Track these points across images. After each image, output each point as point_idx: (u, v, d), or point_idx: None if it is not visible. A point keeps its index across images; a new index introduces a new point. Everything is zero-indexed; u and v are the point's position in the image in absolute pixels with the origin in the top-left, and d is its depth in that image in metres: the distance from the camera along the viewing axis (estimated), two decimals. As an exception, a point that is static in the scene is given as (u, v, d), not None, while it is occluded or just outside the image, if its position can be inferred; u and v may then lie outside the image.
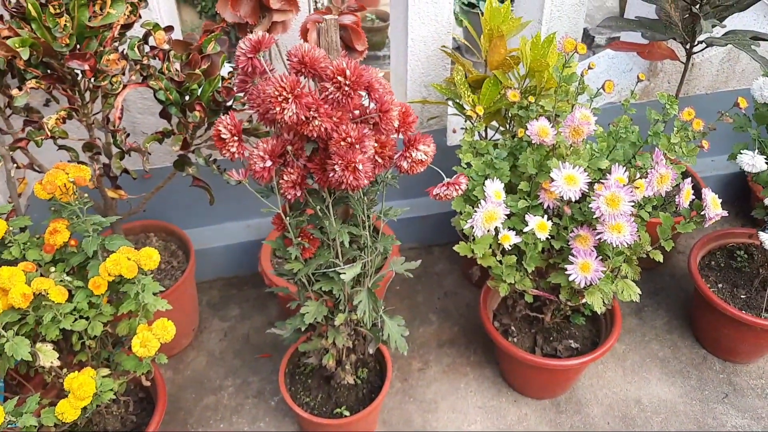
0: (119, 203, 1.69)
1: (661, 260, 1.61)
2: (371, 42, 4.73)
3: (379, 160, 1.21)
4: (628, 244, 1.38)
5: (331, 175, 1.15)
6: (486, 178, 1.63)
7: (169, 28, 1.51)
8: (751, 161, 1.56)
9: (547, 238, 1.53)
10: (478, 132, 1.87)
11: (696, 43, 1.85)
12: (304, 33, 1.52)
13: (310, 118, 1.10)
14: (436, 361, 2.04)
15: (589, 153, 1.52)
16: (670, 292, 2.25)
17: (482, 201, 1.33)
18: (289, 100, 1.07)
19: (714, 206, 1.48)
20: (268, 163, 1.17)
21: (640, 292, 1.57)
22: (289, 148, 1.18)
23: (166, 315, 1.38)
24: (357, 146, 1.15)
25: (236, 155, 1.17)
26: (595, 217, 1.37)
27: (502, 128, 1.87)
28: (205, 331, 2.14)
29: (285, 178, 1.20)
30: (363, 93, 1.16)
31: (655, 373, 1.99)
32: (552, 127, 1.47)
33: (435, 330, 2.15)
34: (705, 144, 1.47)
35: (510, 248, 1.47)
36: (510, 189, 1.63)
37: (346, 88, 1.11)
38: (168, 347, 1.89)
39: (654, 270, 2.32)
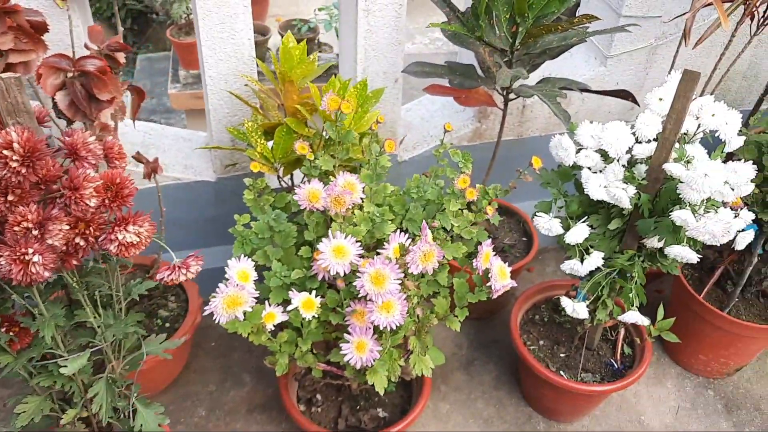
0: None
1: (458, 329, 1.49)
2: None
3: (81, 243, 1.02)
4: (397, 324, 1.24)
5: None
6: (272, 242, 1.47)
7: None
8: (546, 225, 1.46)
9: (333, 309, 1.38)
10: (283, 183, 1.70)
11: (510, 90, 1.76)
12: (38, 78, 1.31)
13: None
14: (244, 429, 1.86)
15: (369, 217, 1.37)
16: (502, 344, 2.15)
17: (220, 285, 1.15)
18: None
19: (501, 277, 1.37)
20: None
21: (445, 355, 1.44)
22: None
23: None
24: (36, 232, 0.95)
25: None
26: (360, 296, 1.22)
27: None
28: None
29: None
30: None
31: (477, 436, 1.88)
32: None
33: (247, 393, 1.96)
34: (490, 210, 1.36)
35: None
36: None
37: (14, 164, 0.91)
38: None
39: (488, 320, 2.22)
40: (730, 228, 1.33)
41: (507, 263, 2.10)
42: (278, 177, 1.66)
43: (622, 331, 1.84)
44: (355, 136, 1.40)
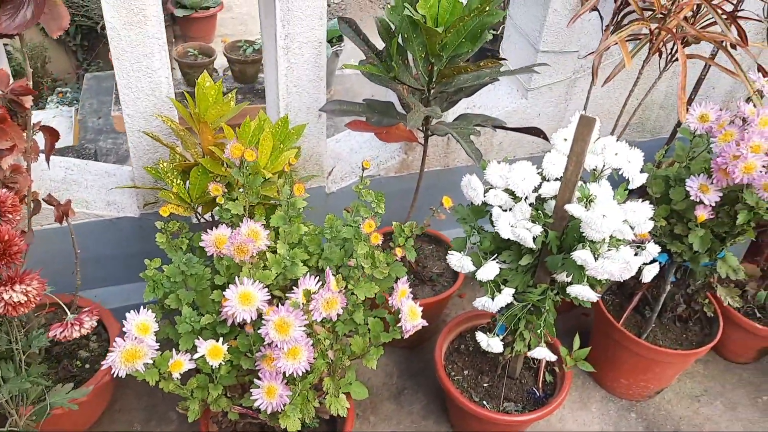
0: None
1: (374, 367, 1.51)
2: (194, 78, 4.44)
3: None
4: (304, 371, 1.24)
5: None
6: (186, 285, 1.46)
7: None
8: (458, 262, 1.49)
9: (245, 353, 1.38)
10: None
11: (427, 127, 1.79)
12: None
13: None
14: (168, 470, 1.83)
15: (280, 261, 1.38)
16: (431, 373, 2.17)
17: (118, 339, 1.14)
18: None
19: (411, 317, 1.39)
20: None
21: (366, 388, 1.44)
22: None
23: None
24: None
25: None
26: (266, 343, 1.23)
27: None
28: None
29: None
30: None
31: (404, 468, 1.90)
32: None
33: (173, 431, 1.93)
34: (398, 252, 1.38)
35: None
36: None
37: None
38: None
39: (419, 348, 2.24)
40: (629, 266, 1.37)
41: (435, 292, 2.14)
42: (197, 216, 1.66)
43: (544, 360, 1.88)
44: (260, 182, 1.41)
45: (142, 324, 1.16)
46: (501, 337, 1.76)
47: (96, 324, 1.11)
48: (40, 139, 1.52)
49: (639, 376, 2.03)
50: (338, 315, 1.23)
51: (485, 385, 1.87)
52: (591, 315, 2.33)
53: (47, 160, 1.66)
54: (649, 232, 1.71)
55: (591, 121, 1.31)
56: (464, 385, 1.86)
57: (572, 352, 1.72)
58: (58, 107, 4.25)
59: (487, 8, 1.58)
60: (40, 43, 4.43)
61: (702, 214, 1.63)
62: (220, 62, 4.00)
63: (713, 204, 1.61)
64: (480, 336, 1.58)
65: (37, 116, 3.11)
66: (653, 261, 1.54)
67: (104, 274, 2.02)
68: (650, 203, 1.72)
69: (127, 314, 1.17)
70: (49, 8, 1.48)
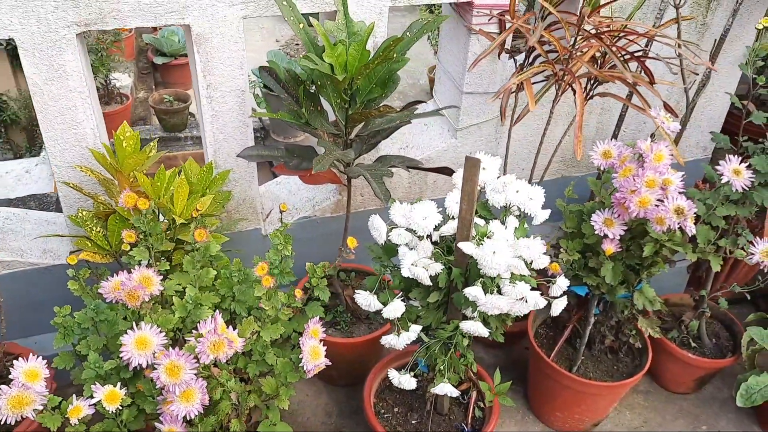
0: None
1: (287, 407, 1.53)
2: (170, 124, 4.55)
3: None
4: (197, 413, 1.27)
5: None
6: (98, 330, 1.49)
7: None
8: (365, 301, 1.53)
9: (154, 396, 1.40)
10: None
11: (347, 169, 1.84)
12: None
13: None
14: None
15: (184, 305, 1.41)
16: (371, 410, 2.19)
17: (3, 387, 1.18)
18: None
19: (312, 357, 1.42)
20: None
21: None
22: None
23: None
24: None
25: None
26: (157, 387, 1.26)
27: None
28: None
29: None
30: None
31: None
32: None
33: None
34: (298, 293, 1.41)
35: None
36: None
37: None
38: None
39: (361, 385, 2.25)
40: (524, 301, 1.41)
41: (371, 330, 2.16)
42: (118, 262, 1.70)
43: (474, 395, 1.90)
44: (159, 230, 1.46)
45: (30, 371, 1.19)
46: (426, 373, 1.80)
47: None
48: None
49: (573, 409, 2.05)
50: (229, 358, 1.26)
51: (413, 422, 1.89)
52: (532, 348, 2.35)
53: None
54: (563, 266, 1.76)
55: (476, 162, 1.36)
56: (393, 422, 1.88)
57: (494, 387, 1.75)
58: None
59: (394, 55, 1.66)
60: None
61: (609, 247, 1.67)
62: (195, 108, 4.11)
63: (618, 237, 1.66)
64: (392, 373, 1.61)
65: (20, 163, 3.20)
66: (565, 294, 1.57)
67: (39, 320, 2.06)
68: (565, 237, 1.78)
69: (14, 361, 1.20)
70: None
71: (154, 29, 5.75)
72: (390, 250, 1.65)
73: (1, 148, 4.43)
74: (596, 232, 1.67)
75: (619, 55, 1.74)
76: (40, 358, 1.22)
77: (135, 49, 5.53)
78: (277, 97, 1.88)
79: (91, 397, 1.33)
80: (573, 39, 1.74)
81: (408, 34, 1.73)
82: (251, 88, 4.26)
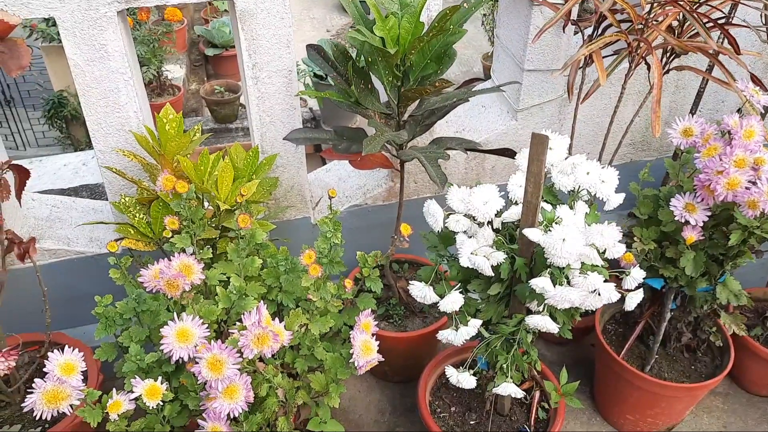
0: None
1: (337, 405, 1.43)
2: (221, 115, 4.54)
3: None
4: (241, 411, 1.18)
5: None
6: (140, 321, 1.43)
7: None
8: (420, 293, 1.41)
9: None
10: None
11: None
12: None
13: None
14: None
15: (228, 295, 1.33)
16: (426, 408, 2.07)
17: (38, 381, 1.11)
18: None
19: (364, 353, 1.31)
20: None
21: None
22: None
23: None
24: None
25: None
26: (199, 383, 1.17)
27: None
28: None
29: None
30: None
31: None
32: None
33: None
34: (348, 284, 1.31)
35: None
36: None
37: None
38: None
39: (415, 382, 2.14)
40: (595, 294, 1.27)
41: (425, 324, 2.05)
42: (161, 249, 1.63)
43: (537, 395, 1.77)
44: (201, 214, 1.37)
45: (66, 364, 1.12)
46: (485, 371, 1.67)
47: (14, 364, 1.08)
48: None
49: (645, 412, 1.89)
50: (274, 352, 1.17)
51: (472, 422, 1.77)
52: (598, 345, 2.19)
53: (18, 198, 1.67)
54: (637, 256, 1.60)
55: (544, 139, 1.23)
56: (449, 422, 1.76)
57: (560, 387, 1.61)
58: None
59: (450, 27, 1.53)
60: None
61: (690, 235, 1.51)
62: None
63: (701, 224, 1.49)
64: (450, 371, 1.49)
65: (78, 156, 3.21)
66: (640, 286, 1.42)
67: (86, 312, 2.02)
68: (639, 225, 1.62)
69: (49, 354, 1.13)
70: (8, 47, 1.50)
71: (206, 21, 5.76)
72: (447, 238, 1.53)
73: (63, 143, 4.50)
74: (676, 219, 1.51)
75: (701, 22, 1.57)
76: (77, 350, 1.15)
77: (187, 41, 5.54)
78: (327, 86, 1.80)
79: (132, 391, 1.26)
80: (649, 6, 1.58)
81: (465, 5, 1.60)
82: (300, 77, 4.20)
